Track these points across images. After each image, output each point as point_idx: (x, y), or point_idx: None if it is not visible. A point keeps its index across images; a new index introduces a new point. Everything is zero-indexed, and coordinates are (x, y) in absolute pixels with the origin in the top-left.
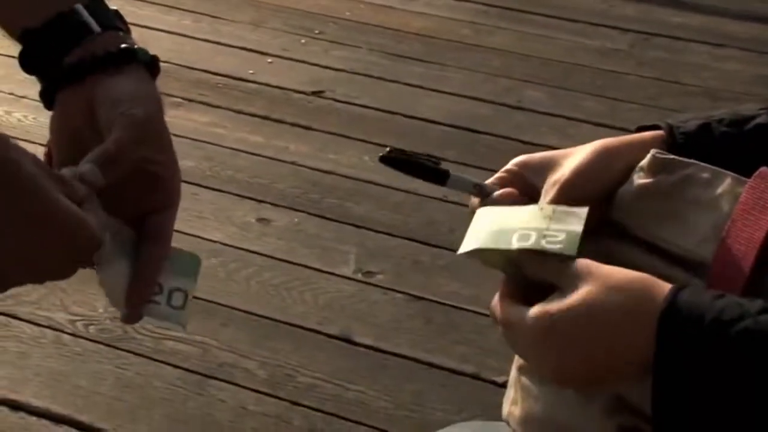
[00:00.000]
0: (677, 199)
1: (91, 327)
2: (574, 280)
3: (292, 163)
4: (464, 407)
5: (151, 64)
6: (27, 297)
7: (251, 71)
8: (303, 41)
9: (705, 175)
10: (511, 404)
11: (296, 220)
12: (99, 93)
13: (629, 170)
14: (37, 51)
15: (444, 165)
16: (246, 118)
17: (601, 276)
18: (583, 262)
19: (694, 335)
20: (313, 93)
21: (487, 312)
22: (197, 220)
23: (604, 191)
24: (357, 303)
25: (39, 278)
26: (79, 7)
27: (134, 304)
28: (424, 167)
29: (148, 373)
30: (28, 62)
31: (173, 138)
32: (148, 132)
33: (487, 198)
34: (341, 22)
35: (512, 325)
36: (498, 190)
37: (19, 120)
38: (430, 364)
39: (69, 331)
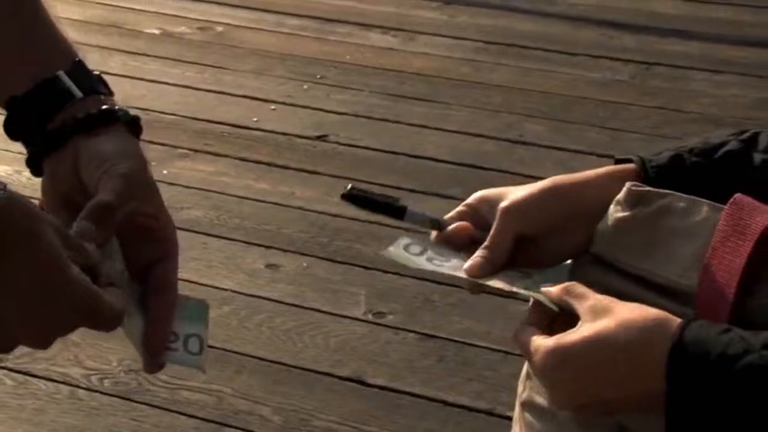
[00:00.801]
0: (656, 230)
1: (106, 381)
2: (594, 315)
3: (299, 208)
4: None
5: (132, 123)
6: (41, 353)
7: (255, 119)
8: (305, 87)
9: (681, 204)
10: None
11: (305, 264)
12: (82, 155)
13: (592, 204)
14: (21, 118)
15: (404, 201)
16: (251, 165)
17: (618, 312)
18: (605, 298)
19: (701, 372)
20: (317, 137)
21: (499, 347)
22: (207, 270)
23: (557, 219)
24: (369, 344)
25: (47, 344)
26: (62, 73)
27: (153, 353)
28: (381, 204)
29: (164, 424)
30: (12, 129)
31: (181, 189)
32: (134, 186)
33: (442, 232)
34: (342, 66)
35: (530, 354)
36: (454, 224)
37: (29, 179)
38: (444, 402)
39: (84, 385)
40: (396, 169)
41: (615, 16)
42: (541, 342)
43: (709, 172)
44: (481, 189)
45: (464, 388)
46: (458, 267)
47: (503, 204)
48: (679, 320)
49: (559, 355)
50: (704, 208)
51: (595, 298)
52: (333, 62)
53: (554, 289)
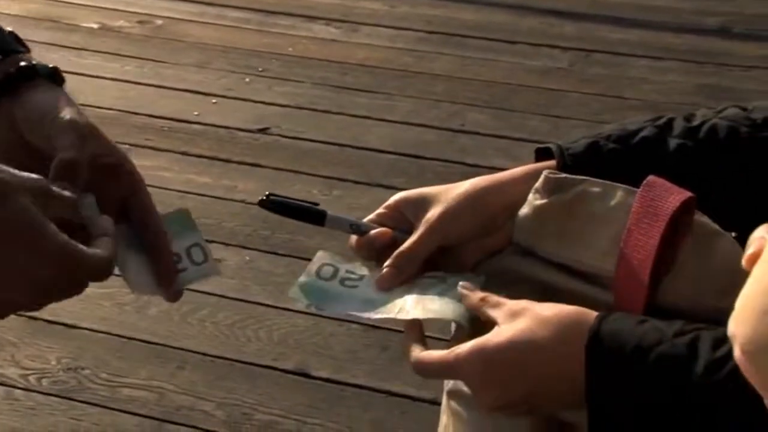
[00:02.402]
0: (573, 217)
1: (44, 380)
2: (510, 317)
3: (241, 201)
4: None
5: (54, 75)
6: None
7: (196, 113)
8: (247, 80)
9: (596, 189)
10: (444, 430)
11: (248, 257)
12: (18, 115)
13: (513, 205)
14: None
15: (323, 206)
16: (193, 159)
17: (533, 312)
18: (520, 302)
19: (617, 364)
20: (259, 130)
21: (444, 336)
22: None
23: (478, 228)
24: (312, 337)
25: (41, 307)
26: None
27: (169, 283)
28: (300, 209)
29: (104, 422)
30: None
31: None
32: (83, 131)
33: (363, 236)
34: (284, 58)
35: (450, 366)
36: (374, 228)
37: None
38: (389, 392)
39: (21, 385)
40: (339, 160)
41: (555, 4)
42: (458, 351)
43: (625, 159)
44: (423, 178)
45: (409, 378)
46: (368, 286)
47: (426, 216)
48: (595, 314)
49: (480, 358)
50: (619, 192)
51: (511, 302)
52: (275, 54)
53: (472, 299)
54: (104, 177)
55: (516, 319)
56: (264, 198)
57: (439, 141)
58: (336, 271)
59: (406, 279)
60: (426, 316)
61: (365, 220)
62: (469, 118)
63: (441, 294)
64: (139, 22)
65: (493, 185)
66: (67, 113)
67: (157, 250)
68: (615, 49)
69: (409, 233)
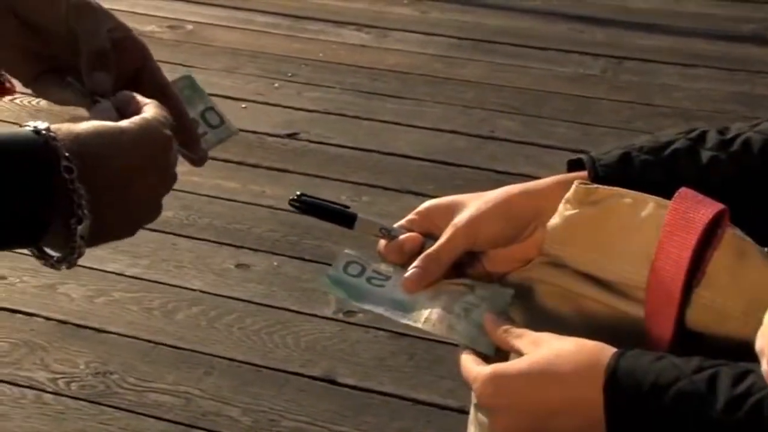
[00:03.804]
0: (604, 227)
1: (73, 384)
2: (529, 347)
3: (269, 206)
4: None
5: None
6: (6, 358)
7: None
8: (276, 85)
9: (628, 200)
10: None
11: (275, 263)
12: (19, 4)
13: (543, 215)
14: None
15: (353, 209)
16: (221, 164)
17: (553, 345)
18: (542, 334)
19: (636, 402)
20: (288, 136)
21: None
22: (177, 270)
23: (506, 235)
24: (339, 343)
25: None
26: None
27: (194, 148)
28: (331, 211)
29: (131, 427)
30: None
31: None
32: (92, 10)
33: (392, 241)
34: (314, 63)
35: (470, 382)
36: (404, 233)
37: None
38: (415, 401)
39: (51, 390)
40: (368, 166)
41: (585, 10)
42: (480, 370)
43: (657, 170)
44: (453, 185)
45: (435, 387)
46: (395, 286)
47: (455, 220)
48: (613, 350)
49: (494, 383)
50: (651, 203)
51: (534, 334)
52: (304, 60)
53: (495, 332)
54: (116, 51)
55: (535, 349)
56: (295, 198)
57: (469, 147)
58: (363, 269)
59: (431, 281)
60: (450, 336)
61: (395, 225)
62: (499, 125)
63: (468, 310)
64: (170, 27)
65: (524, 193)
66: None
67: (177, 117)
68: (646, 56)
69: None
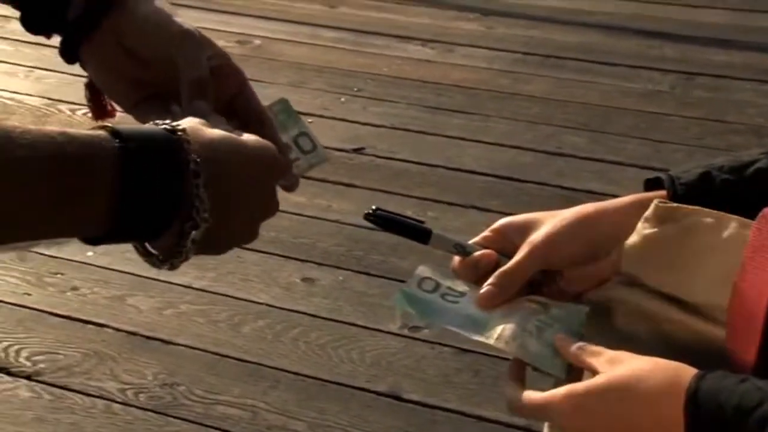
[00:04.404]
0: (685, 247)
1: (141, 395)
2: (606, 366)
3: (336, 221)
4: None
5: None
6: (78, 368)
7: None
8: (342, 99)
9: (709, 220)
10: None
11: (341, 278)
12: (125, 25)
13: (620, 235)
14: (37, 11)
15: (431, 224)
16: None
17: (632, 364)
18: (620, 352)
19: (717, 424)
20: (354, 150)
21: None
22: (243, 283)
23: (582, 254)
24: (404, 359)
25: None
26: None
27: (287, 174)
28: (406, 226)
29: None
30: (32, 22)
31: None
32: (194, 37)
33: (467, 257)
34: (380, 78)
35: (543, 408)
36: (479, 250)
37: None
38: (480, 417)
39: (120, 400)
40: (433, 181)
41: (654, 25)
42: (552, 393)
43: (739, 190)
44: (518, 201)
45: (501, 404)
46: (469, 303)
47: (530, 237)
48: (694, 371)
49: (571, 402)
50: (733, 223)
51: (610, 352)
52: (370, 74)
53: (569, 350)
54: (214, 78)
55: (613, 367)
56: (371, 212)
57: (535, 163)
58: (437, 285)
59: (506, 299)
60: (522, 357)
61: (470, 242)
62: (565, 141)
63: (541, 329)
64: (238, 42)
65: (600, 212)
66: (178, 23)
67: (276, 146)
68: (718, 71)
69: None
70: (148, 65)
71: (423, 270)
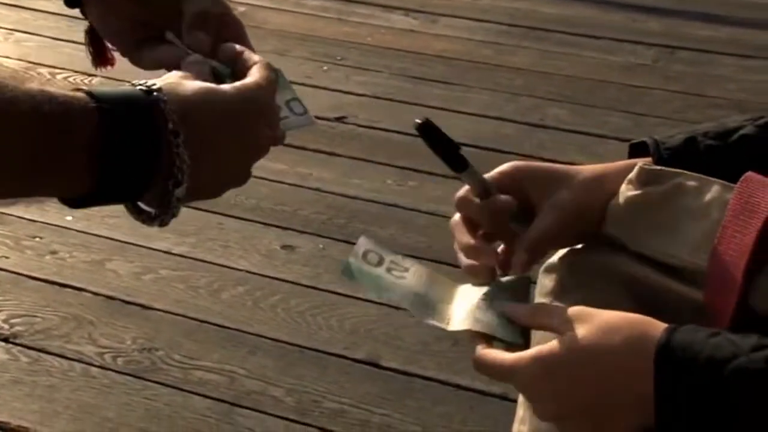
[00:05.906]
0: (667, 209)
1: (119, 359)
2: (572, 324)
3: (316, 189)
4: (493, 428)
5: None
6: (56, 331)
7: None
8: (325, 68)
9: (693, 183)
10: (520, 423)
11: (321, 246)
12: None
13: (605, 199)
14: None
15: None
16: None
17: (597, 319)
18: (579, 308)
19: (689, 376)
20: (336, 119)
21: None
22: (223, 250)
23: (598, 218)
24: (383, 327)
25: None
26: None
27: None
28: (451, 145)
29: (176, 403)
30: None
31: None
32: None
33: (486, 199)
34: (363, 47)
35: (504, 373)
36: (502, 196)
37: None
38: (458, 386)
39: (98, 363)
40: (415, 151)
41: None
42: (517, 356)
43: (723, 156)
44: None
45: (478, 373)
46: (417, 280)
47: (556, 201)
48: (664, 325)
49: (541, 366)
50: (715, 186)
51: (570, 309)
52: (353, 43)
53: (521, 317)
54: (217, 26)
55: (577, 325)
56: (422, 121)
57: (517, 135)
58: (381, 258)
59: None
60: (475, 328)
61: (487, 177)
62: (548, 113)
63: (489, 299)
64: None
65: (608, 173)
66: None
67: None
68: (702, 46)
69: (524, 203)
70: (150, 4)
71: (364, 242)
